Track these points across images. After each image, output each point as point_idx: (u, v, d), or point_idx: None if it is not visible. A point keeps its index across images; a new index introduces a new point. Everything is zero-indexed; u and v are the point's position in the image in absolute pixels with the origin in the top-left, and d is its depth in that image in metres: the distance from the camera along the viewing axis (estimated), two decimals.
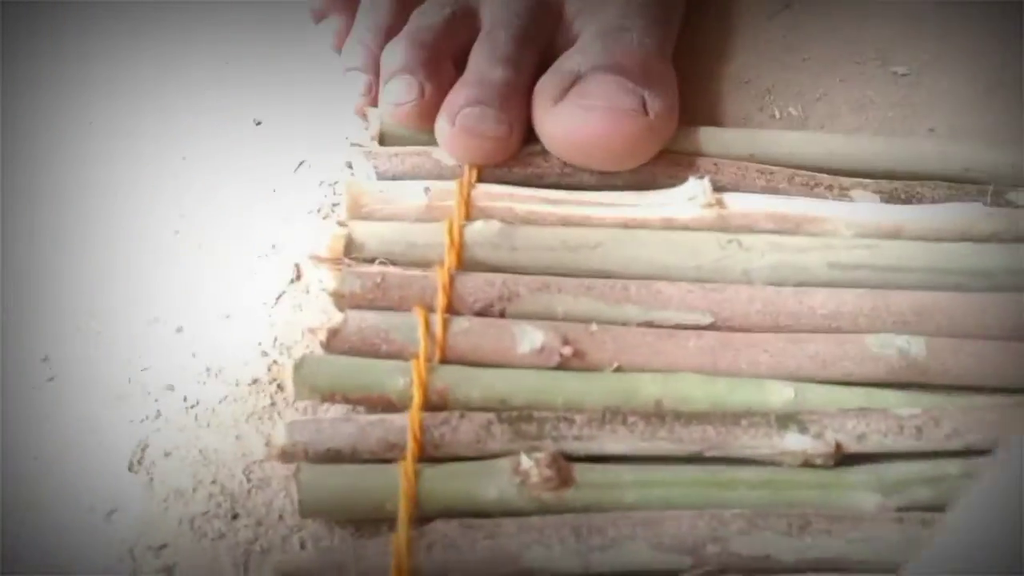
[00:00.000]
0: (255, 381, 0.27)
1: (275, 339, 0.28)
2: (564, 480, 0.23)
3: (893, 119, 0.35)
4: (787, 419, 0.25)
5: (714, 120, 0.34)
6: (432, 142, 0.30)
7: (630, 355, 0.26)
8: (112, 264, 0.29)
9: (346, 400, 0.25)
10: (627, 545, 0.22)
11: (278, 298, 0.29)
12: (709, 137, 0.32)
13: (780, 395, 0.26)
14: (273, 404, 0.26)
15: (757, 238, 0.29)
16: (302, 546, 0.23)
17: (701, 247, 0.28)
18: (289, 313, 0.28)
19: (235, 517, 0.24)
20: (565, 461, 0.24)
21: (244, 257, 0.30)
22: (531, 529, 0.22)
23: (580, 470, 0.24)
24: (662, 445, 0.24)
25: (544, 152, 0.30)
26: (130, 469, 0.25)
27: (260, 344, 0.28)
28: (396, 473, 0.23)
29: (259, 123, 0.34)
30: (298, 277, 0.29)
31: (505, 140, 0.29)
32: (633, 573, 0.22)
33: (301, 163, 0.33)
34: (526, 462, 0.23)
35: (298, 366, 0.25)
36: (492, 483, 0.23)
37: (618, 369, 0.26)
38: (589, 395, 0.25)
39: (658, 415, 0.25)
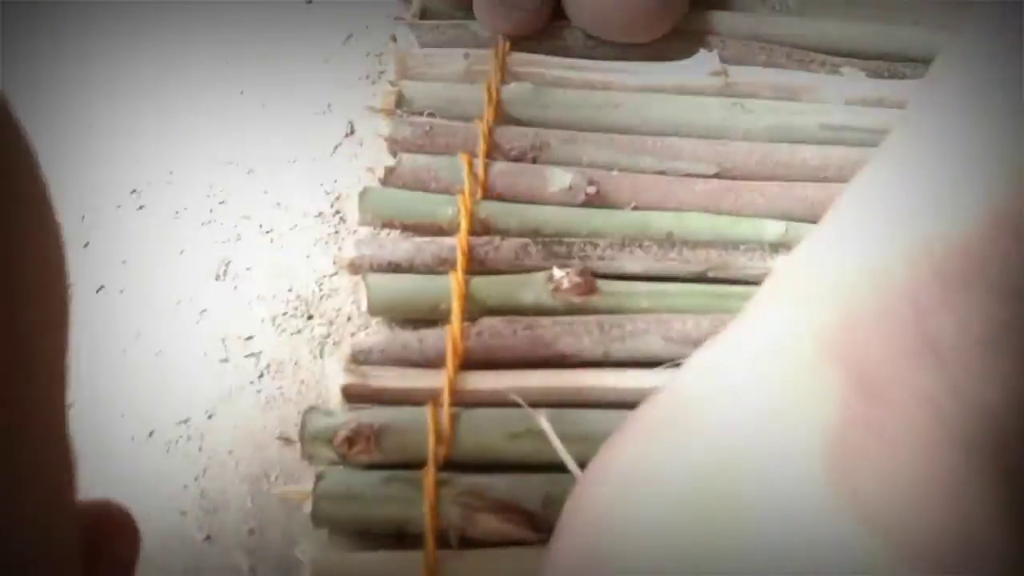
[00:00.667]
0: (320, 214, 0.31)
1: (335, 180, 0.32)
2: (590, 288, 0.28)
3: (882, 14, 0.39)
4: (779, 245, 0.29)
5: (721, 9, 0.37)
6: (468, 18, 0.34)
7: (645, 196, 0.30)
8: (189, 116, 0.33)
9: (403, 226, 0.29)
10: (642, 338, 0.27)
11: (335, 148, 0.33)
12: (718, 19, 0.35)
13: (773, 230, 0.30)
14: (336, 232, 0.30)
15: (758, 103, 0.33)
16: None
17: (709, 109, 0.32)
18: (346, 161, 0.32)
19: (310, 318, 0.28)
20: (591, 275, 0.28)
21: (304, 115, 0.34)
22: (563, 323, 0.27)
23: (603, 283, 0.28)
24: (672, 265, 0.29)
25: (570, 26, 0.34)
26: (216, 279, 0.29)
27: (322, 185, 0.32)
28: (449, 280, 0.27)
29: (310, 1, 0.38)
30: (352, 132, 0.33)
31: (537, 12, 0.33)
32: (646, 361, 0.27)
33: (349, 36, 0.36)
34: (558, 273, 0.28)
35: (363, 194, 0.29)
36: (530, 290, 0.28)
37: (635, 208, 0.30)
38: (610, 227, 0.30)
39: (669, 241, 0.29)
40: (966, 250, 0.16)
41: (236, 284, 0.29)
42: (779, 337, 0.17)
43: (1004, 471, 0.15)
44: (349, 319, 0.28)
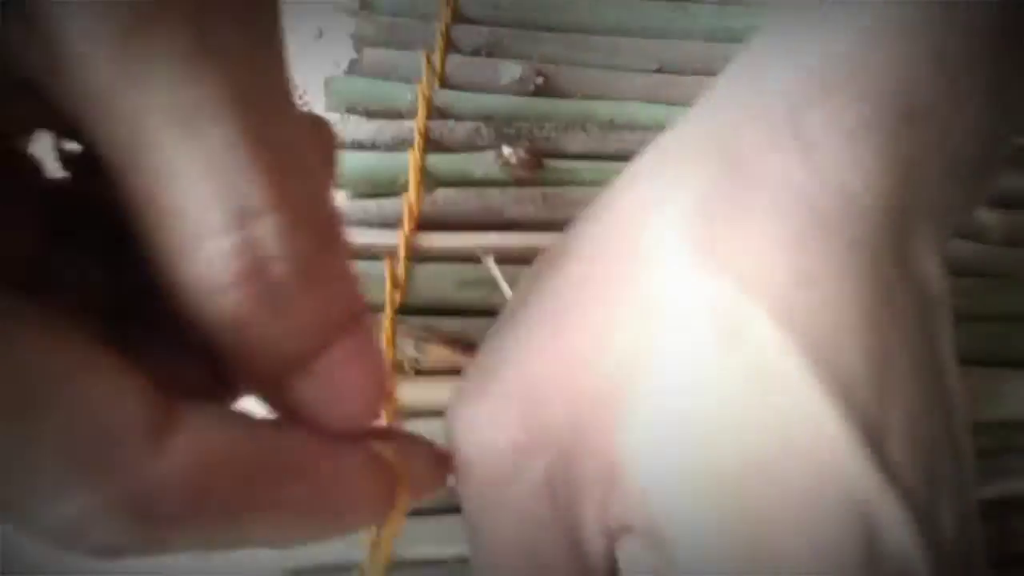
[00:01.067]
0: None
1: (303, 76, 0.34)
2: (537, 164, 0.30)
3: None
4: None
5: None
6: None
7: (590, 88, 0.33)
8: None
9: (367, 112, 0.32)
10: (581, 206, 0.29)
11: (303, 48, 0.35)
12: None
13: None
14: None
15: (700, 7, 0.35)
16: None
17: (653, 10, 0.35)
18: (315, 61, 0.35)
19: None
20: (537, 153, 0.31)
21: None
22: (511, 193, 0.29)
23: (548, 161, 0.31)
24: (612, 145, 0.31)
25: None
26: None
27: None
28: (407, 157, 0.30)
29: None
30: (320, 35, 0.36)
31: None
32: None
33: None
34: (507, 150, 0.30)
35: (328, 81, 0.31)
36: (481, 165, 0.30)
37: (580, 98, 0.33)
38: (557, 114, 0.32)
39: (610, 126, 0.32)
40: (839, 59, 0.19)
41: None
42: (668, 143, 0.20)
43: (858, 246, 0.18)
44: None
